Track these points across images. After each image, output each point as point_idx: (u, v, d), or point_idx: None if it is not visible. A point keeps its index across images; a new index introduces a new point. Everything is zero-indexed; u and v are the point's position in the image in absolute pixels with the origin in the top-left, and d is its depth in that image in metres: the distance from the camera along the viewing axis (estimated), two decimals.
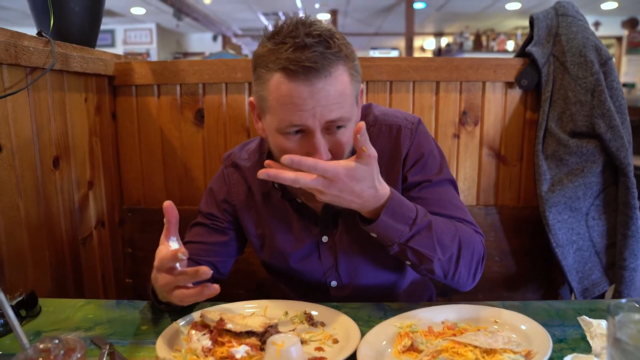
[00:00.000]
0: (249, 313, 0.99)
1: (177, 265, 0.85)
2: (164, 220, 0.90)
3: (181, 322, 0.94)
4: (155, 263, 0.89)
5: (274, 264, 1.20)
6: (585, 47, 1.46)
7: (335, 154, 0.94)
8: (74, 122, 1.44)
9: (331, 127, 0.92)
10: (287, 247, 1.15)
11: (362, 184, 0.86)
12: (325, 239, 1.13)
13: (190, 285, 0.86)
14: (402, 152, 1.08)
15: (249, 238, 1.21)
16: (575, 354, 0.76)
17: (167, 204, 0.89)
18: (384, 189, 0.90)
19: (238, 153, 1.21)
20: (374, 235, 0.93)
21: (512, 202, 1.66)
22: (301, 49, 0.87)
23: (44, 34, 1.30)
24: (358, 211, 0.92)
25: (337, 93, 0.90)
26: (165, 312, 1.04)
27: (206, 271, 0.80)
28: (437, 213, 1.00)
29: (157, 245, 1.71)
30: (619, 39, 9.33)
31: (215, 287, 0.82)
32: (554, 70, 1.51)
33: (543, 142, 1.52)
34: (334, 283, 1.17)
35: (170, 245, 0.89)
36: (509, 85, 1.60)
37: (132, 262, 1.71)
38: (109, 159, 1.65)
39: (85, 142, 1.50)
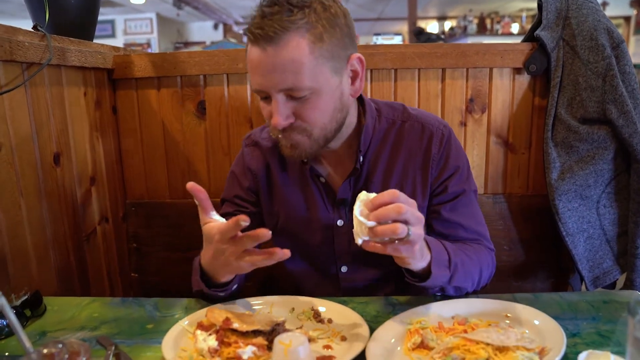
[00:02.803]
0: (255, 310, 0.97)
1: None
2: (195, 201, 0.92)
3: (186, 321, 0.93)
4: (216, 237, 0.89)
5: (286, 245, 1.18)
6: (597, 30, 1.42)
7: (305, 120, 0.97)
8: (73, 118, 1.42)
9: (293, 95, 0.94)
10: (303, 227, 1.15)
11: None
12: (340, 222, 1.13)
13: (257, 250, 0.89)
14: (432, 153, 1.09)
15: (264, 216, 1.21)
16: (590, 351, 0.74)
17: (190, 185, 0.90)
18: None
19: (258, 133, 1.23)
20: (421, 285, 0.94)
21: (521, 190, 1.63)
22: (261, 17, 0.92)
23: (39, 28, 1.27)
24: (409, 269, 0.92)
25: (290, 62, 0.91)
26: (172, 309, 1.03)
27: (265, 233, 0.82)
28: (465, 226, 1.09)
29: (161, 238, 1.71)
30: (627, 19, 9.17)
31: (286, 252, 0.84)
32: (563, 55, 1.47)
33: (552, 128, 1.48)
34: (344, 268, 1.16)
35: (217, 219, 0.92)
36: (517, 71, 1.56)
37: (138, 257, 1.70)
38: (110, 153, 1.63)
39: (86, 137, 1.48)
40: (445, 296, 1.02)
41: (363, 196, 0.84)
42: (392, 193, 0.80)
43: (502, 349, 0.77)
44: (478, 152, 1.61)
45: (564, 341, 0.77)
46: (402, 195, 0.81)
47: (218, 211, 1.20)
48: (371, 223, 0.79)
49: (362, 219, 0.80)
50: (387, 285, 1.18)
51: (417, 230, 0.81)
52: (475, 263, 1.03)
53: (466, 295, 1.03)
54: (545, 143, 1.49)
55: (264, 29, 0.90)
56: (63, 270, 1.35)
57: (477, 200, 1.15)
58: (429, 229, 1.12)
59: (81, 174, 1.45)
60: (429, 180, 1.10)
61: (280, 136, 1.00)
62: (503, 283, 1.60)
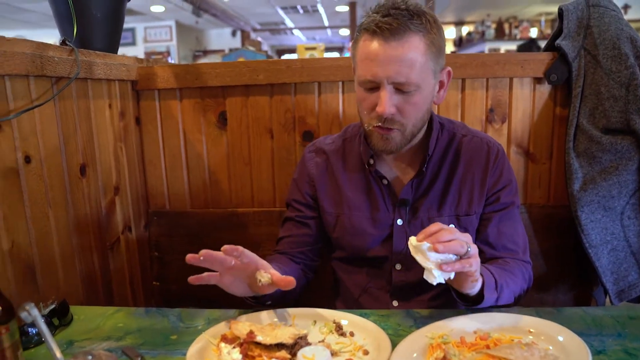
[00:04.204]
0: (277, 323, 0.98)
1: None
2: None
3: (210, 333, 0.94)
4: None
5: (343, 243, 1.25)
6: (619, 39, 1.40)
7: (404, 114, 1.06)
8: (99, 129, 1.45)
9: (401, 88, 1.04)
10: (362, 225, 1.21)
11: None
12: (399, 222, 1.19)
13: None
14: (490, 169, 1.18)
15: (323, 216, 1.27)
16: None
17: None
18: None
19: (322, 140, 1.33)
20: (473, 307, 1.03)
21: (542, 200, 1.62)
22: (386, 16, 1.02)
23: (67, 43, 1.31)
24: (459, 291, 0.99)
25: (408, 57, 1.01)
26: (195, 320, 1.04)
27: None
28: (509, 236, 1.17)
29: (182, 247, 1.74)
30: None
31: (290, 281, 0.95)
32: (585, 65, 1.46)
33: (574, 139, 1.47)
34: (398, 266, 1.21)
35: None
36: (538, 80, 1.55)
37: (159, 265, 1.73)
38: (134, 163, 1.66)
39: (110, 148, 1.51)
40: (467, 310, 1.02)
41: (413, 241, 0.90)
42: (435, 224, 0.90)
43: None
44: None
45: (589, 359, 0.77)
46: (442, 225, 0.90)
47: (283, 214, 1.32)
48: (433, 255, 0.89)
49: (426, 256, 0.89)
50: (436, 288, 1.20)
51: (473, 244, 0.91)
52: (517, 282, 1.10)
53: (489, 309, 1.03)
54: (567, 153, 1.47)
55: (392, 25, 1.00)
56: (88, 278, 1.38)
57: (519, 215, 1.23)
58: (477, 235, 1.20)
59: (106, 184, 1.48)
60: (486, 189, 1.18)
61: (379, 125, 1.07)
62: (525, 295, 1.58)
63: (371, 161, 1.19)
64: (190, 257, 0.92)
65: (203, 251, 0.92)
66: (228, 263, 0.95)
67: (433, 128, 1.18)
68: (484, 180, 1.18)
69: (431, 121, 1.19)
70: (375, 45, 1.02)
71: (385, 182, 1.20)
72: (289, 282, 0.95)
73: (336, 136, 1.32)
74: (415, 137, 1.15)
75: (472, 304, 1.00)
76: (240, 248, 0.95)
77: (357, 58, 1.08)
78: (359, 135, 1.25)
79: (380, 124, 1.07)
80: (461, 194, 1.18)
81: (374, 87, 1.06)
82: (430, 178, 1.19)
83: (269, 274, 0.97)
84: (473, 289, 0.96)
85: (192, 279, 0.93)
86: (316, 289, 1.37)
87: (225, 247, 0.93)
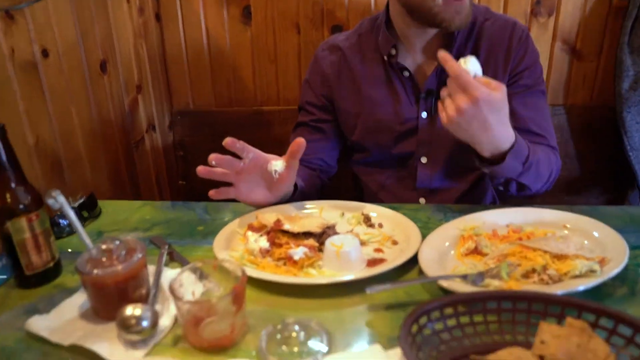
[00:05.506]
0: (305, 214, 0.97)
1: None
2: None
3: (237, 224, 0.94)
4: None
5: (365, 143, 1.21)
6: None
7: None
8: (117, 25, 1.38)
9: None
10: (386, 121, 1.16)
11: (496, 116, 0.84)
12: (424, 114, 1.14)
13: None
14: (514, 49, 1.10)
15: (341, 118, 1.22)
16: None
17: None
18: (511, 129, 0.90)
19: (336, 37, 1.26)
20: (487, 171, 0.95)
21: (584, 101, 1.52)
22: None
23: None
24: (477, 150, 0.90)
25: None
26: (222, 213, 1.04)
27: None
28: (534, 119, 1.09)
29: (207, 146, 1.73)
30: None
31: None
32: None
33: (630, 32, 1.34)
34: (424, 159, 1.18)
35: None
36: None
37: (184, 164, 1.73)
38: (155, 61, 1.61)
39: (130, 45, 1.46)
40: (500, 205, 0.99)
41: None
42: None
43: (560, 257, 0.74)
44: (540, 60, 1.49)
45: (626, 252, 0.74)
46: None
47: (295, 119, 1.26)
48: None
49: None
50: (461, 182, 1.19)
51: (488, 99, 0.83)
52: (547, 166, 1.04)
53: (523, 202, 0.99)
54: (620, 49, 1.35)
55: None
56: (114, 175, 1.39)
57: (546, 101, 1.16)
58: None
59: (127, 81, 1.44)
60: (509, 68, 1.11)
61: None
62: (554, 197, 1.53)
63: (393, 51, 1.12)
64: (201, 169, 0.90)
65: (212, 155, 0.90)
66: (237, 165, 0.93)
67: None
68: (507, 60, 1.11)
69: None
70: None
71: (406, 74, 1.13)
72: (298, 143, 0.91)
73: (350, 32, 1.23)
74: None
75: (491, 165, 0.92)
76: (241, 141, 0.92)
77: None
78: (375, 28, 1.16)
79: None
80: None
81: None
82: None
83: (281, 160, 0.94)
84: (497, 132, 0.86)
85: (212, 193, 0.93)
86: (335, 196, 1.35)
87: (226, 140, 0.90)
